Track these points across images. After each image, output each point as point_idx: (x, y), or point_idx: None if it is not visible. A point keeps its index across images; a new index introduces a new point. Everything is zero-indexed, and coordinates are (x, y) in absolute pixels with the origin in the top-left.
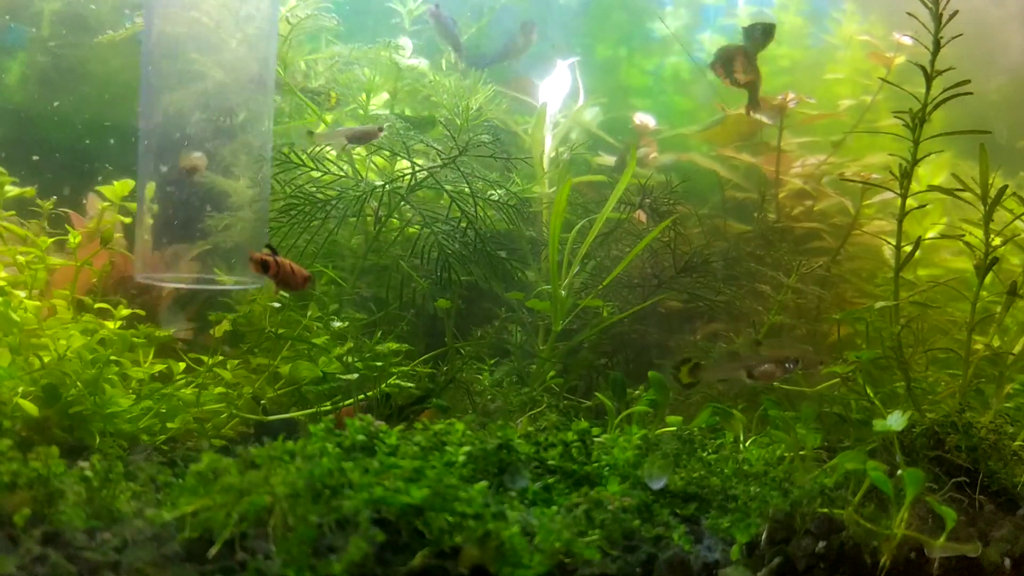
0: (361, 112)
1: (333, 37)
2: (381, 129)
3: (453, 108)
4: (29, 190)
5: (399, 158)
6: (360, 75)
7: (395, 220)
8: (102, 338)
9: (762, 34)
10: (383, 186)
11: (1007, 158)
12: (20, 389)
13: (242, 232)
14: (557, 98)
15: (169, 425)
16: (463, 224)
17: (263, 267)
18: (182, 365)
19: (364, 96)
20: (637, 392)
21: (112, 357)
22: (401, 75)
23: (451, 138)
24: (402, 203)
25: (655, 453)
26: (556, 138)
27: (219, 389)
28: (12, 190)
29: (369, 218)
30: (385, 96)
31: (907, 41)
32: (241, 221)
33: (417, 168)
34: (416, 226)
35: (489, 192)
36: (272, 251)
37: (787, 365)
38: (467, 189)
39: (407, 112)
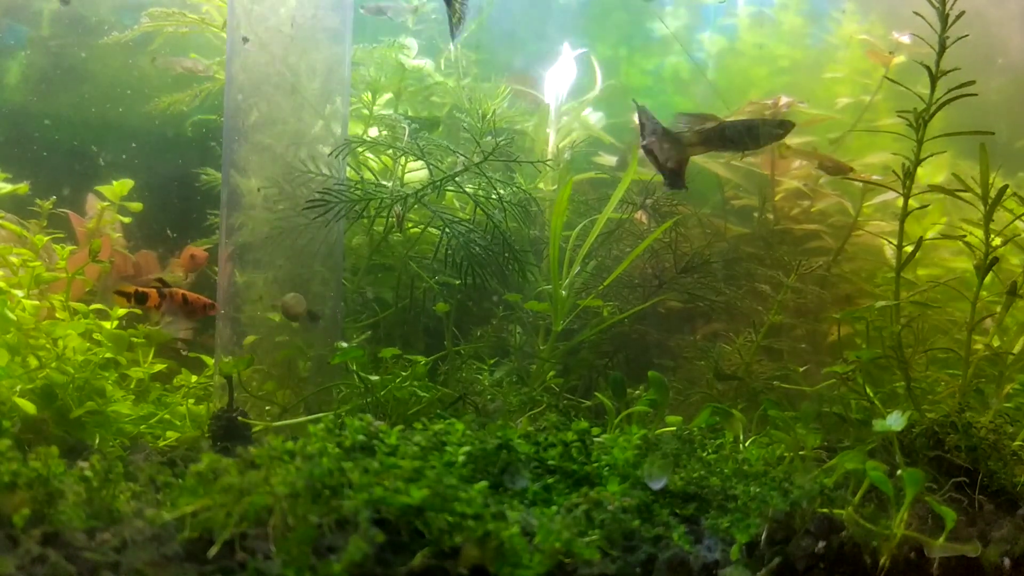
0: (366, 112)
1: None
2: None
3: (474, 112)
4: (22, 187)
5: (400, 157)
6: (364, 75)
7: (409, 221)
8: (100, 338)
9: None
10: (415, 193)
11: (1007, 158)
12: (18, 388)
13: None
14: (562, 92)
15: (170, 434)
16: (489, 226)
17: (139, 299)
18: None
19: (369, 95)
20: (637, 392)
21: (108, 356)
22: (406, 75)
23: (473, 141)
24: (415, 205)
25: (655, 453)
26: (559, 136)
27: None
28: (5, 187)
29: (391, 220)
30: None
31: (906, 40)
32: None
33: (441, 172)
34: (427, 227)
35: (499, 193)
36: (162, 283)
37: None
38: (485, 191)
39: (409, 112)
